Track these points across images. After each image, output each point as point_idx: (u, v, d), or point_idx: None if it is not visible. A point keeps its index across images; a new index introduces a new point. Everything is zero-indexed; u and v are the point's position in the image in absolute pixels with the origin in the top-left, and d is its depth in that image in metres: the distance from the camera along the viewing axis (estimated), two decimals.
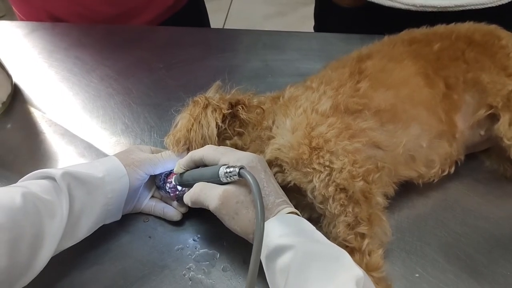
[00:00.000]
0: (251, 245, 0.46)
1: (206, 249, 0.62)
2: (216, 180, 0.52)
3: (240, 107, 0.63)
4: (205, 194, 0.53)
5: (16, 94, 0.87)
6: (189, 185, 0.59)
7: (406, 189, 0.64)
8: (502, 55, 0.63)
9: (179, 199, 0.64)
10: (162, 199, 0.67)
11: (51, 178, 0.57)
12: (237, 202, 0.51)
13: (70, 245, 0.59)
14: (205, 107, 0.63)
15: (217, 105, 0.62)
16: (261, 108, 0.63)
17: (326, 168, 0.55)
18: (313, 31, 1.14)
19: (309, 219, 0.61)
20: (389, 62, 0.62)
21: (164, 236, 0.65)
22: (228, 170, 0.50)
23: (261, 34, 0.94)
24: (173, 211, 0.65)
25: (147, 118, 0.81)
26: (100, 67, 0.91)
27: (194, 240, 0.63)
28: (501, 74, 0.61)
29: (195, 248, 0.62)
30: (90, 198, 0.58)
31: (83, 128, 0.80)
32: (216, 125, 0.61)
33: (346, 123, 0.58)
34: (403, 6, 0.86)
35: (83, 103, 0.85)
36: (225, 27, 2.44)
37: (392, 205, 0.62)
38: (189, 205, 0.57)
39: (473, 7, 0.84)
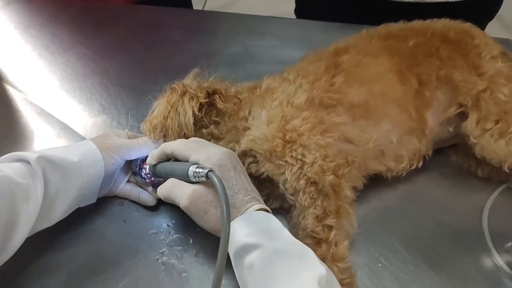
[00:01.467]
0: None
1: (180, 234, 0.63)
2: (186, 178, 0.53)
3: (217, 97, 0.63)
4: (175, 192, 0.54)
5: None
6: (163, 177, 0.59)
7: (375, 181, 0.66)
8: (474, 54, 0.64)
9: (154, 185, 0.64)
10: (137, 183, 0.68)
11: (25, 161, 0.57)
12: (206, 202, 0.52)
13: (45, 227, 0.59)
14: (182, 94, 0.63)
15: (194, 94, 0.62)
16: (238, 98, 0.64)
17: (298, 161, 0.56)
18: (293, 12, 1.13)
19: (280, 208, 0.64)
20: (364, 57, 0.63)
21: (139, 220, 0.65)
22: (197, 170, 0.51)
23: (242, 18, 0.93)
24: (148, 196, 0.65)
25: (124, 100, 0.80)
26: (77, 45, 0.89)
27: (168, 226, 0.64)
28: (473, 73, 0.63)
29: (169, 233, 0.63)
30: (65, 182, 0.58)
31: (59, 108, 0.79)
32: (192, 113, 0.61)
33: (320, 118, 0.59)
34: None
35: (60, 83, 0.83)
36: (206, 5, 2.38)
37: (361, 196, 0.64)
38: (162, 199, 0.58)
39: (450, 0, 0.86)
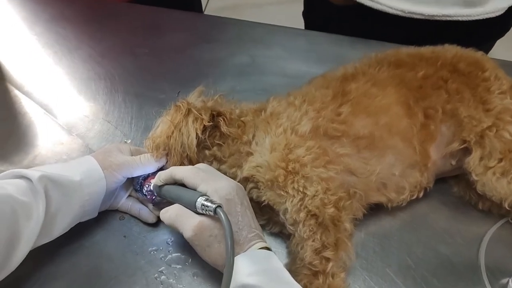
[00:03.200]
0: None
1: (179, 253, 0.64)
2: (192, 207, 0.53)
3: (222, 119, 0.62)
4: (181, 221, 0.54)
5: None
6: (166, 199, 0.60)
7: (375, 208, 0.66)
8: (483, 88, 0.63)
9: (155, 203, 0.65)
10: (139, 199, 0.68)
11: (27, 179, 0.57)
12: (210, 236, 0.52)
13: (45, 242, 0.59)
14: (187, 114, 0.62)
15: (199, 115, 0.62)
16: (242, 121, 0.63)
17: (300, 193, 0.56)
18: (301, 19, 1.11)
19: (280, 233, 0.65)
20: (372, 87, 0.62)
21: (139, 236, 0.66)
22: (205, 203, 0.51)
23: (249, 26, 0.92)
24: (148, 214, 0.66)
25: (128, 107, 0.80)
26: (83, 46, 0.88)
27: (167, 243, 0.65)
28: (479, 108, 0.62)
29: (168, 251, 0.64)
30: (67, 199, 0.59)
31: (62, 113, 0.79)
32: (196, 135, 0.61)
33: (324, 148, 0.59)
34: (391, 11, 0.85)
35: (64, 86, 0.83)
36: (208, 5, 2.32)
37: (360, 222, 0.64)
38: (165, 223, 0.58)
39: (459, 19, 0.84)
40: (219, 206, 0.51)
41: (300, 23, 1.09)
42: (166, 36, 0.90)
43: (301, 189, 0.56)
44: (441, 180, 0.69)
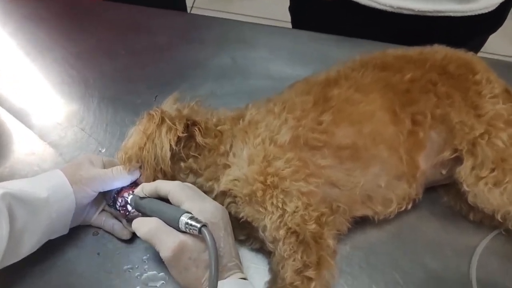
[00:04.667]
0: None
1: (155, 271, 0.61)
2: (174, 224, 0.51)
3: (197, 129, 0.59)
4: (159, 239, 0.51)
5: None
6: (144, 213, 0.57)
7: (361, 220, 0.63)
8: (474, 92, 0.60)
9: (129, 219, 0.62)
10: (112, 214, 0.66)
11: None
12: (190, 258, 0.50)
13: (12, 262, 0.57)
14: (160, 124, 0.60)
15: (172, 125, 0.59)
16: (219, 131, 0.60)
17: (279, 209, 0.54)
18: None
19: (261, 249, 0.62)
20: (355, 93, 0.59)
21: (113, 253, 0.63)
22: (190, 222, 0.49)
23: (233, 25, 0.88)
24: (122, 229, 0.63)
25: (103, 113, 0.77)
26: (56, 47, 0.84)
27: (143, 261, 0.62)
28: (471, 113, 0.59)
29: (144, 269, 0.61)
30: (33, 217, 0.56)
31: (33, 119, 0.76)
32: (170, 147, 0.58)
33: (304, 160, 0.56)
34: (378, 6, 0.82)
35: (35, 91, 0.79)
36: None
37: (345, 235, 0.62)
38: (140, 237, 0.55)
39: (452, 14, 0.81)
40: (204, 225, 0.48)
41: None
42: (146, 36, 0.86)
43: (280, 205, 0.54)
44: (430, 189, 0.67)
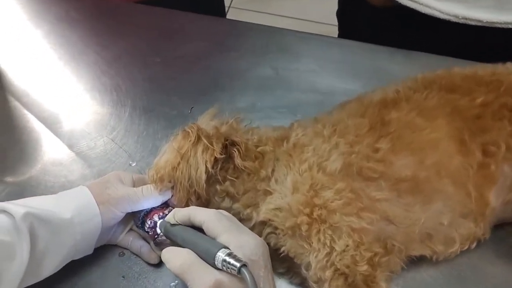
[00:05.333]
0: None
1: None
2: (209, 259, 0.46)
3: (236, 150, 0.55)
4: (192, 275, 0.46)
5: None
6: (174, 241, 0.52)
7: (416, 258, 0.57)
8: None
9: (157, 243, 0.58)
10: (141, 234, 0.62)
11: (11, 215, 0.51)
12: None
13: (33, 283, 0.54)
14: (196, 142, 0.55)
15: (209, 145, 0.54)
16: (260, 153, 0.56)
17: (326, 247, 0.48)
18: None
19: (301, 284, 0.57)
20: (418, 117, 0.53)
21: (139, 278, 0.60)
22: (227, 259, 0.44)
23: (275, 32, 0.84)
24: (150, 253, 0.59)
25: (135, 124, 0.74)
26: (89, 52, 0.82)
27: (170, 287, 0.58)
28: None
29: None
30: (56, 238, 0.53)
31: (63, 128, 0.74)
32: (205, 169, 0.54)
33: (357, 192, 0.50)
34: (441, 15, 0.74)
35: (66, 97, 0.77)
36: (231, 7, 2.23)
37: (398, 275, 0.56)
38: (171, 270, 0.51)
39: None
40: (244, 265, 0.43)
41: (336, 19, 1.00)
42: (182, 42, 0.83)
43: (328, 242, 0.48)
44: (496, 226, 0.60)
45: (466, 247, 0.56)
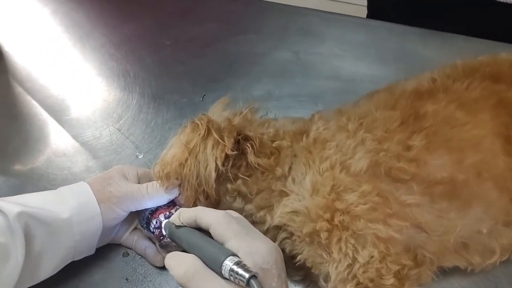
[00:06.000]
0: None
1: None
2: (215, 267, 0.42)
3: (249, 146, 0.50)
4: (197, 285, 0.42)
5: None
6: (179, 245, 0.48)
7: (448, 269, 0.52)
8: None
9: (163, 245, 0.54)
10: (146, 234, 0.58)
11: (4, 213, 0.48)
12: None
13: (31, 285, 0.52)
14: (206, 136, 0.51)
15: (220, 139, 0.50)
16: (276, 149, 0.51)
17: (348, 258, 0.44)
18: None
19: None
20: (458, 110, 0.48)
21: (143, 280, 0.57)
22: (235, 269, 0.39)
23: (296, 13, 0.78)
24: (155, 255, 0.56)
25: (143, 113, 0.70)
26: (96, 34, 0.78)
27: None
28: None
29: None
30: (53, 239, 0.51)
31: (66, 115, 0.71)
32: (215, 166, 0.50)
33: (385, 196, 0.45)
34: None
35: (71, 83, 0.73)
36: None
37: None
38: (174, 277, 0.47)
39: None
40: (254, 276, 0.39)
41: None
42: (194, 24, 0.78)
43: (350, 252, 0.44)
44: None
45: (505, 258, 0.50)
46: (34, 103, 0.72)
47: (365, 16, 0.94)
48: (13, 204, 0.48)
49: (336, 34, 0.75)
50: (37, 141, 0.69)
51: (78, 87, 0.73)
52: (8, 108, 0.72)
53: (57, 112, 0.71)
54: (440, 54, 0.63)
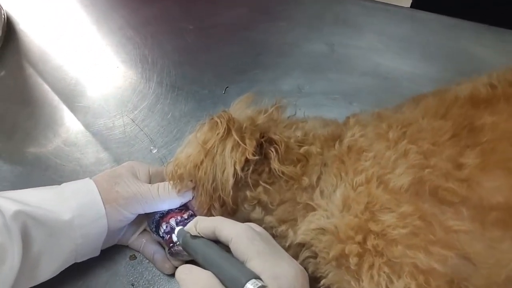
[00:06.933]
0: None
1: None
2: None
3: (274, 151, 0.45)
4: None
5: (10, 35, 0.74)
6: (193, 257, 0.44)
7: None
8: None
9: (173, 253, 0.50)
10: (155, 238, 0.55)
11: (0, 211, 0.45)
12: None
13: (29, 286, 0.49)
14: (225, 137, 0.46)
15: (241, 141, 0.45)
16: (304, 156, 0.46)
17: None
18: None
19: None
20: None
21: (150, 287, 0.53)
22: None
23: (333, 0, 0.71)
24: (164, 261, 0.53)
25: (160, 104, 0.66)
26: (113, 16, 0.74)
27: None
28: None
29: None
30: (53, 241, 0.48)
31: (80, 104, 0.67)
32: (234, 172, 0.45)
33: (428, 220, 0.40)
34: None
35: (86, 67, 0.70)
36: None
37: None
38: None
39: None
40: None
41: None
42: (220, 8, 0.74)
43: (383, 282, 0.39)
44: None
45: None
46: (46, 87, 0.69)
47: (409, 5, 0.87)
48: (11, 202, 0.45)
49: (376, 26, 0.69)
50: (46, 129, 0.66)
51: (92, 71, 0.70)
52: (18, 91, 0.69)
53: (69, 98, 0.68)
54: (497, 54, 0.57)
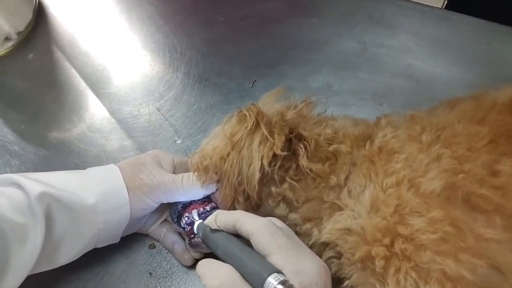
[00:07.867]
0: None
1: None
2: (256, 285, 0.38)
3: (302, 147, 0.45)
4: None
5: (40, 18, 0.75)
6: (213, 250, 0.44)
7: None
8: None
9: (193, 245, 0.50)
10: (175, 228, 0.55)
11: (25, 191, 0.46)
12: None
13: (47, 269, 0.50)
14: (253, 130, 0.46)
15: (269, 135, 0.45)
16: (333, 154, 0.45)
17: None
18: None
19: None
20: None
21: (169, 277, 0.55)
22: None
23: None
24: (183, 253, 0.54)
25: (186, 94, 0.66)
26: (145, 3, 0.74)
27: None
28: None
29: None
30: (76, 225, 0.49)
31: (106, 90, 0.68)
32: (261, 166, 0.45)
33: (458, 227, 0.39)
34: None
35: (113, 54, 0.71)
36: None
37: None
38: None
39: None
40: None
41: None
42: (252, 1, 0.73)
43: (409, 287, 0.38)
44: None
45: None
46: (73, 72, 0.69)
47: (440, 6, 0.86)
48: (36, 183, 0.46)
49: (411, 26, 0.68)
50: (72, 113, 0.67)
51: (120, 58, 0.70)
52: (45, 74, 0.70)
53: (96, 84, 0.68)
54: None
